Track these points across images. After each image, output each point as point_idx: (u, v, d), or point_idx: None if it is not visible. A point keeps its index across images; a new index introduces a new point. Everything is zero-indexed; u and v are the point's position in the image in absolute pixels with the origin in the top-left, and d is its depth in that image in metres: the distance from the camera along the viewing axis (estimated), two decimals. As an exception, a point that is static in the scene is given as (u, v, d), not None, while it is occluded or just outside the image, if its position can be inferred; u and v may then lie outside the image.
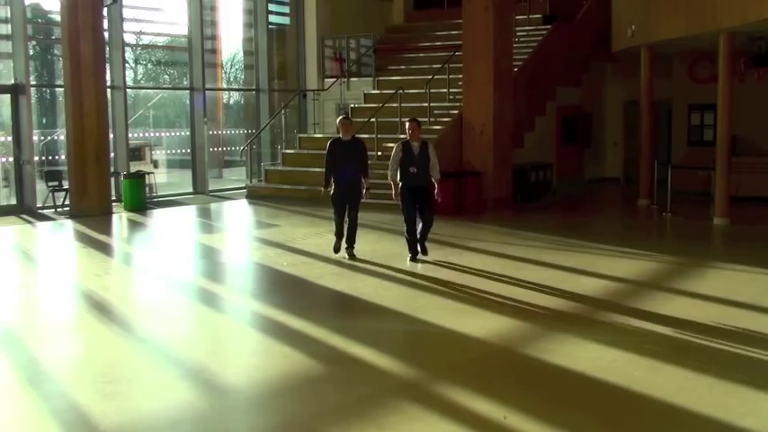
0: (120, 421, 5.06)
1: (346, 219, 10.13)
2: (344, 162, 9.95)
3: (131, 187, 15.43)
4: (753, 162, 15.60)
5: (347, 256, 10.10)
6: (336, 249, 10.20)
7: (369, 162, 10.36)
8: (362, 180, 10.04)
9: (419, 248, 9.97)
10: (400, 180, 9.76)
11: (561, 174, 18.07)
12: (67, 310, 8.28)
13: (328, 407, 5.27)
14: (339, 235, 10.24)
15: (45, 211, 15.05)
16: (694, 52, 16.37)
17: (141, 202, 15.55)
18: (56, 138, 17.22)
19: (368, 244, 10.74)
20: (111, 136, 15.84)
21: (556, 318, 7.42)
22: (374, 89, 18.32)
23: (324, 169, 10.16)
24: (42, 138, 17.22)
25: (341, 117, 10.68)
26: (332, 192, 10.07)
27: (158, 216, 14.91)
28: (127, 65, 18.57)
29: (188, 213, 15.54)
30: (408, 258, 9.92)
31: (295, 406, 5.35)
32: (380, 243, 11.20)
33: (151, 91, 21.40)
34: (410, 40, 19.65)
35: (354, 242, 10.21)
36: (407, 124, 9.91)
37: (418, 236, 9.88)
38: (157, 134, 20.85)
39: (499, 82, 14.80)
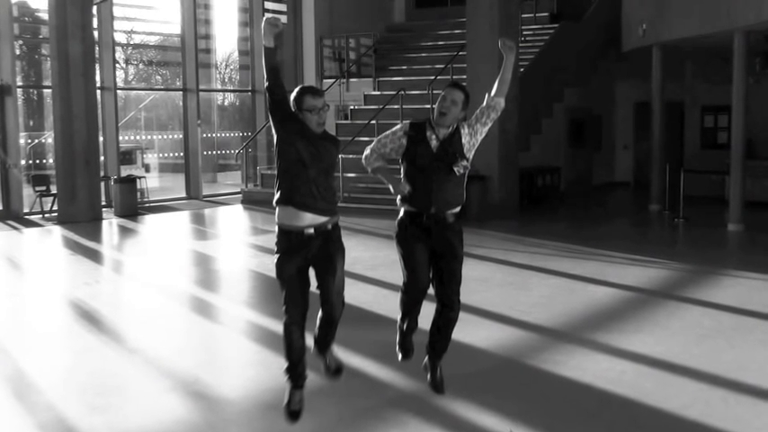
0: (110, 436, 4.90)
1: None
2: (310, 172, 4.56)
3: (122, 192, 15.33)
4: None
5: (326, 368, 4.99)
6: (293, 413, 4.72)
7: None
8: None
9: (430, 375, 5.05)
10: (401, 200, 4.90)
11: (569, 178, 17.92)
12: (56, 319, 8.15)
13: (326, 420, 5.17)
14: (297, 381, 4.74)
15: (32, 217, 15.00)
16: (708, 52, 16.21)
17: (132, 207, 15.44)
18: (43, 141, 17.22)
19: (367, 251, 10.55)
20: (101, 139, 15.77)
21: (563, 328, 7.27)
22: (374, 90, 18.13)
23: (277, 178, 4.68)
24: (29, 141, 17.22)
25: (303, 87, 4.93)
26: (276, 245, 4.60)
27: (150, 222, 14.83)
28: (117, 65, 18.44)
29: (181, 219, 15.46)
30: (399, 357, 5.16)
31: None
32: (380, 250, 10.94)
33: (143, 92, 21.39)
34: (412, 39, 19.47)
35: (330, 344, 4.91)
36: (445, 93, 4.95)
37: (429, 336, 4.98)
38: (149, 137, 20.85)
39: (505, 82, 14.42)
